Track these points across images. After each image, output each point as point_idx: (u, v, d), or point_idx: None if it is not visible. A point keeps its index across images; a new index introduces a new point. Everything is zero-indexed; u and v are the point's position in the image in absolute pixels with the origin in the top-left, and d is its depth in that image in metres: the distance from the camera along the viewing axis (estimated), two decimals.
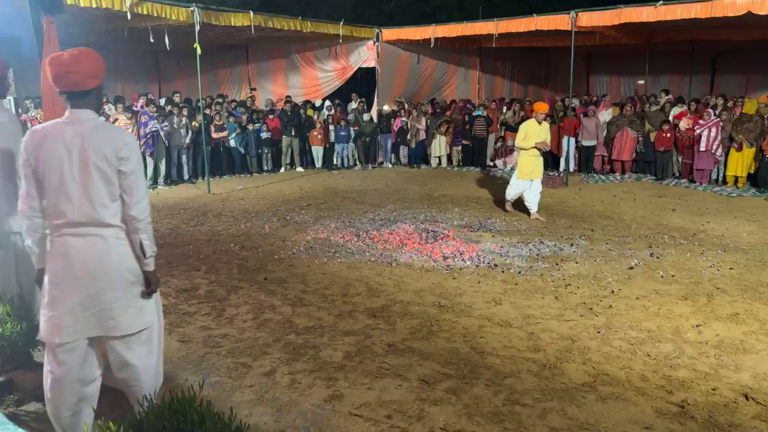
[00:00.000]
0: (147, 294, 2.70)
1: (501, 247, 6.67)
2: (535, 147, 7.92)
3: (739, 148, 10.18)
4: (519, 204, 8.53)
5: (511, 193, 8.42)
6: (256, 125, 12.44)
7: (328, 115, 13.34)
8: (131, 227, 2.62)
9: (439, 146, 13.52)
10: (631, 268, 5.88)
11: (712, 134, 10.41)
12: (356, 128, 13.47)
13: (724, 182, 10.60)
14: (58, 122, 2.60)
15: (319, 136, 13.04)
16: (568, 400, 3.35)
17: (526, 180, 8.11)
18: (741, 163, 10.28)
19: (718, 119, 10.46)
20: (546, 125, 8.15)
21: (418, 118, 13.39)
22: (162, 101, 13.05)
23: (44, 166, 2.52)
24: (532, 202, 8.16)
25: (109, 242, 2.58)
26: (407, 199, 9.61)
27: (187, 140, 11.28)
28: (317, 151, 13.26)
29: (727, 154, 10.52)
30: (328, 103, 14.17)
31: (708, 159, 10.61)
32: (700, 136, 10.54)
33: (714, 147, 10.42)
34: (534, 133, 7.92)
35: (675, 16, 9.42)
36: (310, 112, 13.47)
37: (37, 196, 2.57)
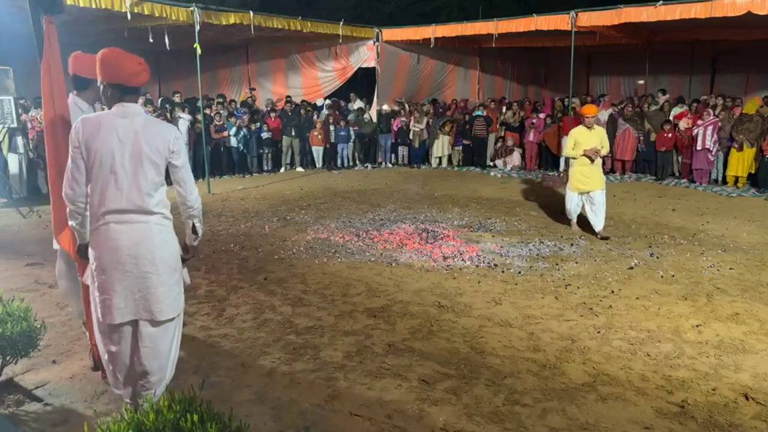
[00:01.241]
0: (185, 261, 2.98)
1: (501, 247, 6.67)
2: (584, 155, 6.98)
3: (740, 148, 10.18)
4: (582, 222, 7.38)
5: (569, 209, 7.41)
6: (257, 125, 12.44)
7: (327, 115, 13.35)
8: (186, 214, 2.92)
9: (441, 146, 13.53)
10: (631, 268, 5.87)
11: (708, 133, 10.43)
12: (356, 128, 13.47)
13: (725, 182, 10.61)
14: (109, 114, 2.74)
15: (319, 136, 13.04)
16: (568, 400, 3.35)
17: (580, 192, 7.17)
18: (741, 163, 10.28)
19: (716, 119, 10.47)
20: (599, 130, 7.17)
21: (420, 118, 13.39)
22: (159, 102, 13.05)
23: (96, 154, 2.66)
24: (596, 221, 7.07)
25: (152, 229, 2.78)
26: (407, 199, 9.61)
27: (184, 129, 11.12)
28: (317, 151, 13.27)
29: (727, 154, 10.53)
30: (328, 102, 14.19)
31: (705, 158, 10.63)
32: (696, 135, 10.56)
33: (709, 145, 10.44)
34: (584, 139, 7.00)
35: (675, 16, 9.43)
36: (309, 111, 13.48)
37: (83, 182, 2.70)
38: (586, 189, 7.08)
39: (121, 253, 2.70)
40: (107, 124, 2.69)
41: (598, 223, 7.05)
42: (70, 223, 2.79)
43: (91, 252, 2.77)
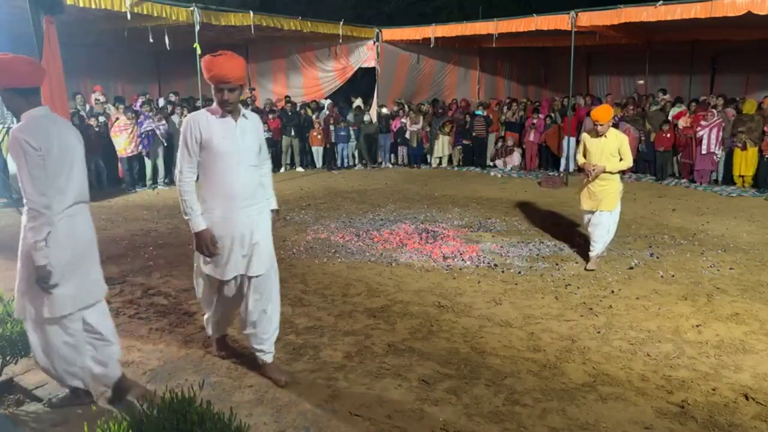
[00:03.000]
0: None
1: (501, 247, 6.67)
2: (583, 167, 5.89)
3: (743, 147, 10.17)
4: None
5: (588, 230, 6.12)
6: None
7: (327, 116, 13.34)
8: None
9: (442, 146, 13.52)
10: (631, 268, 5.87)
11: (713, 135, 10.43)
12: (355, 128, 13.47)
13: (726, 182, 10.58)
14: (45, 116, 2.82)
15: (319, 137, 13.05)
16: (568, 400, 3.35)
17: (588, 211, 5.98)
18: (746, 162, 10.26)
19: (720, 120, 10.47)
20: (616, 138, 5.77)
21: (417, 118, 13.39)
22: (161, 101, 13.05)
23: (58, 153, 2.78)
24: (593, 242, 5.94)
25: (89, 215, 3.05)
26: (407, 199, 9.61)
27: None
28: (317, 151, 13.27)
29: (731, 154, 10.52)
30: (329, 101, 14.18)
31: (710, 160, 10.63)
32: (701, 138, 10.54)
33: (714, 148, 10.44)
34: (593, 149, 5.78)
35: (675, 16, 9.42)
36: (309, 111, 13.46)
37: (51, 185, 2.78)
38: (590, 208, 5.90)
39: (83, 240, 2.95)
40: (54, 124, 2.83)
41: (593, 246, 5.90)
42: (40, 237, 2.76)
43: (57, 249, 2.82)
